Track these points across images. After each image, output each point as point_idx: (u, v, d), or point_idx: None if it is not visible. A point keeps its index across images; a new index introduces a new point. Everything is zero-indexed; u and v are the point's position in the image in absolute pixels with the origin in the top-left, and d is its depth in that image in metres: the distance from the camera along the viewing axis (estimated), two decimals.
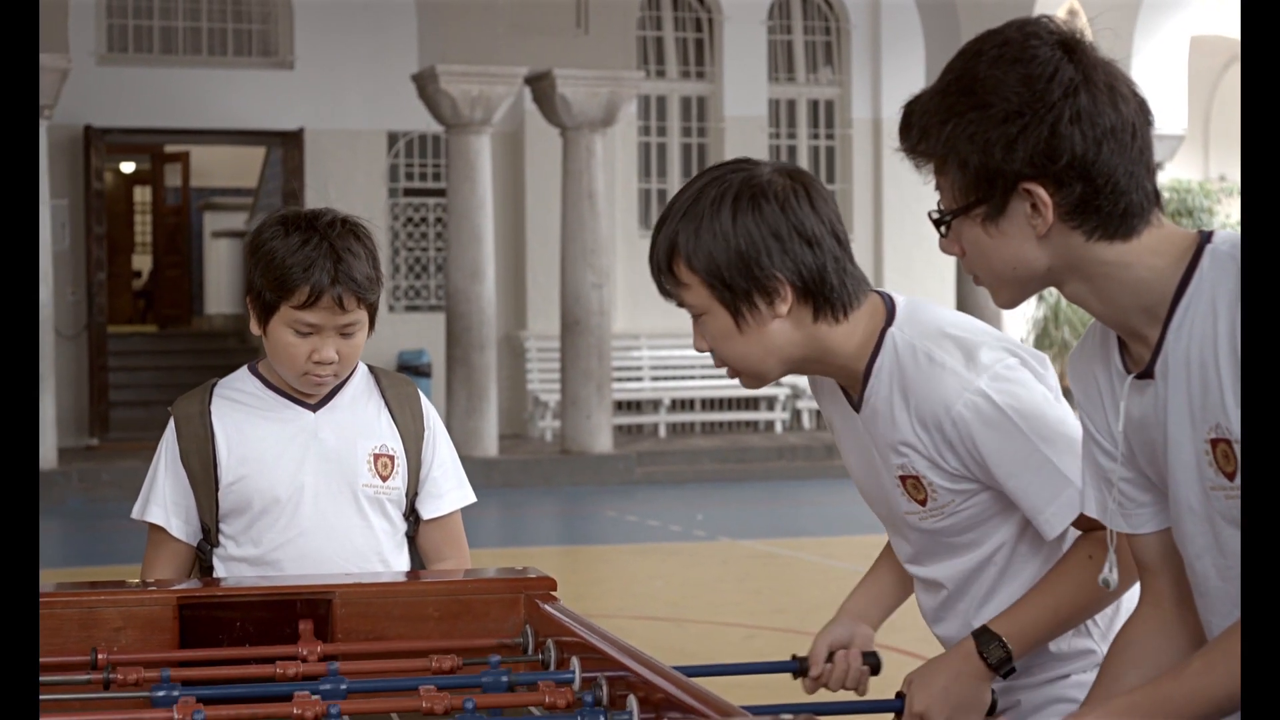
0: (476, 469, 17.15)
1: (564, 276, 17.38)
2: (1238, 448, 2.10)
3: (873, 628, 3.01)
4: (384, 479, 3.51)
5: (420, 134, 20.39)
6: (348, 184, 20.24)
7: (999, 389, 2.62)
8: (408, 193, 20.63)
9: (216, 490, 3.49)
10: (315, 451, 3.50)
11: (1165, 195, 23.01)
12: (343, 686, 2.54)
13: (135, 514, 3.56)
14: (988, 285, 2.27)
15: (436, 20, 16.82)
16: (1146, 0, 19.60)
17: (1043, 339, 21.33)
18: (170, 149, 25.76)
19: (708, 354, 2.73)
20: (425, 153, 20.71)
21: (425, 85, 16.90)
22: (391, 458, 3.52)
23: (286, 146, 20.15)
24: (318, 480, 3.49)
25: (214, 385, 3.59)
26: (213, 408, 3.53)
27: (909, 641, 8.79)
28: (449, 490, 3.60)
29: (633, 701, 2.29)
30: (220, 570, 3.51)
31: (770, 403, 20.43)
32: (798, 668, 2.97)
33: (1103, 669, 2.46)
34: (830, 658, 2.96)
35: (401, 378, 3.67)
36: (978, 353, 2.65)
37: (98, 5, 19.27)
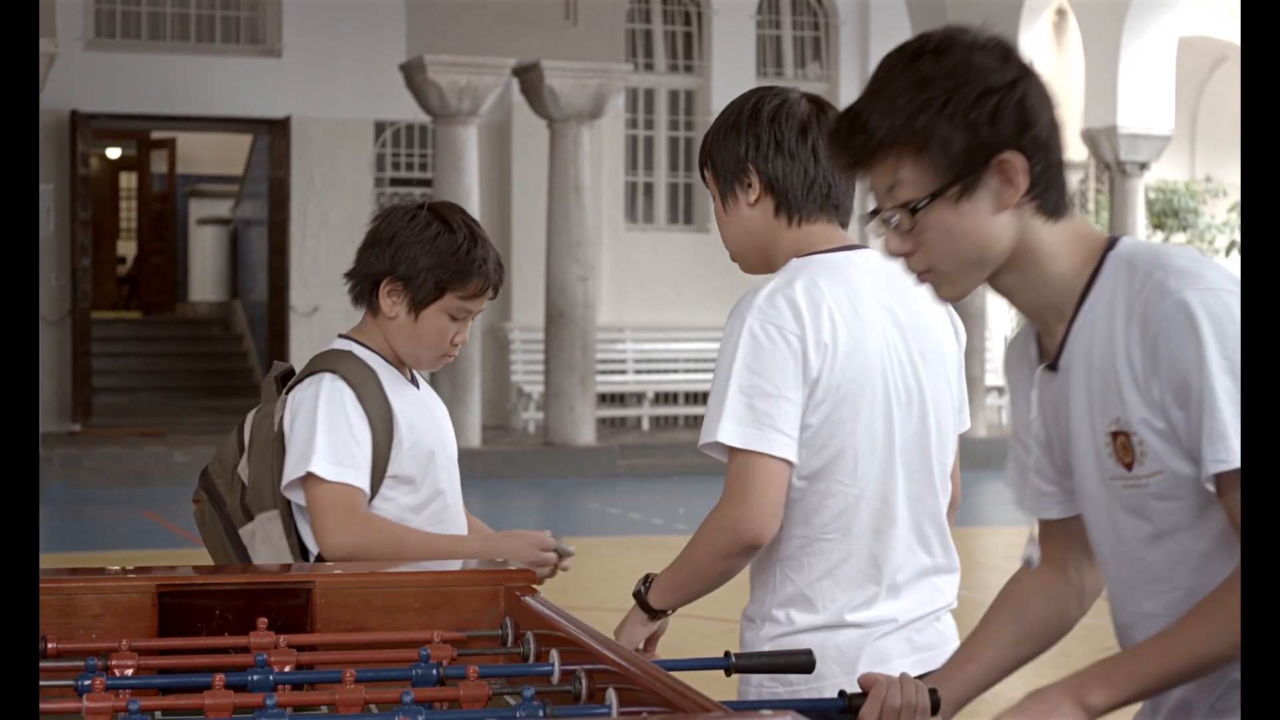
0: (459, 459, 17.11)
1: (549, 268, 17.37)
2: (1135, 439, 2.28)
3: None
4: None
5: (407, 124, 20.38)
6: (334, 173, 20.22)
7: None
8: (394, 182, 20.61)
9: (388, 452, 3.63)
10: (437, 420, 3.79)
11: (1152, 195, 22.81)
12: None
13: (330, 475, 3.55)
14: (943, 275, 2.36)
15: (425, 10, 16.80)
16: (1135, 0, 19.63)
17: None
18: (157, 135, 25.71)
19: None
20: (412, 142, 20.69)
21: (413, 75, 16.88)
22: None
23: (273, 134, 20.12)
24: (445, 447, 3.78)
25: (350, 352, 3.69)
26: (378, 374, 3.66)
27: None
28: None
29: (612, 695, 2.29)
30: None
31: None
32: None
33: (984, 617, 2.63)
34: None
35: None
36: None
37: None
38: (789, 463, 3.06)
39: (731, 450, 3.07)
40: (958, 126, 2.26)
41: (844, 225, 3.30)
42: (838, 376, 3.08)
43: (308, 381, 3.64)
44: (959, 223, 2.30)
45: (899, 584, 3.17)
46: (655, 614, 3.22)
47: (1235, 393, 2.16)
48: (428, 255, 3.63)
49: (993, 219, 2.30)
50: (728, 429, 3.05)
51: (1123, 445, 2.31)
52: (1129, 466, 2.31)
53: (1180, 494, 2.29)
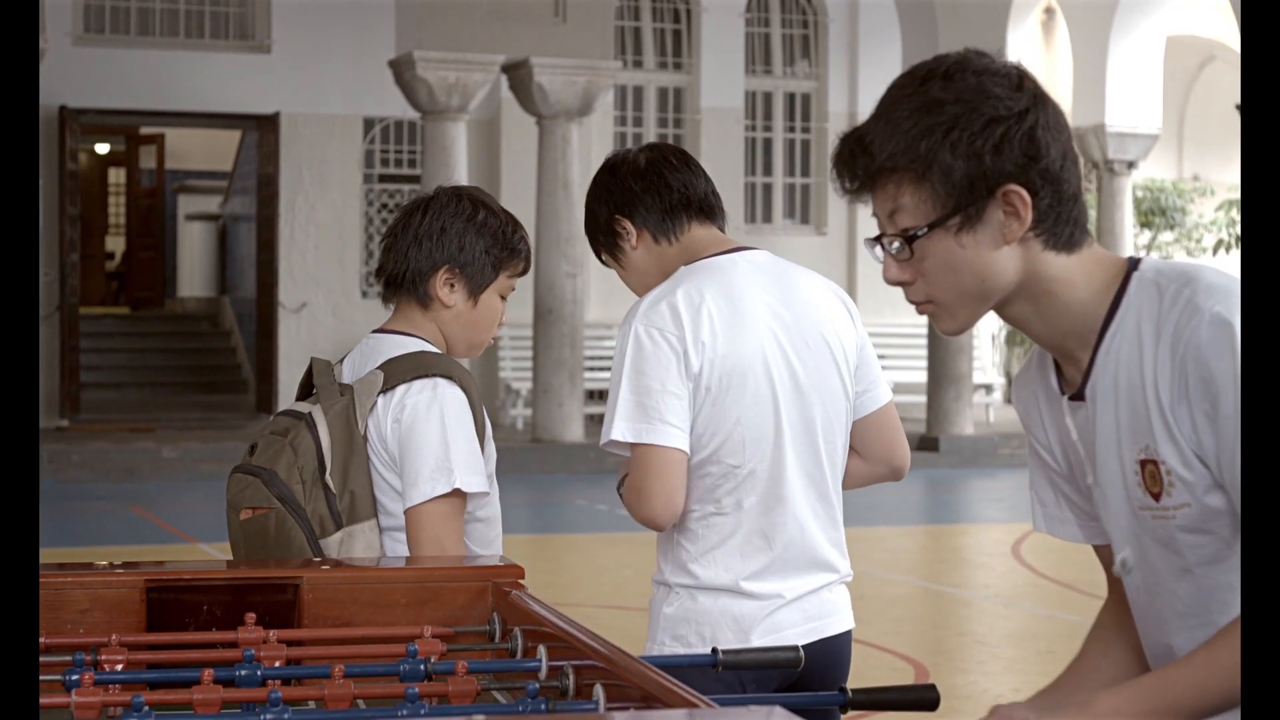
0: None
1: (538, 265, 17.35)
2: (1164, 468, 2.20)
3: None
4: None
5: (396, 120, 20.37)
6: (323, 169, 20.21)
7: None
8: (383, 179, 20.60)
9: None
10: None
11: (1139, 194, 22.69)
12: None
13: (471, 488, 3.45)
14: (942, 307, 2.27)
15: (414, 6, 16.79)
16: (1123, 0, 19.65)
17: (1014, 335, 21.39)
18: (145, 131, 25.68)
19: None
20: (401, 139, 20.68)
21: (402, 71, 16.87)
22: None
23: (262, 130, 20.11)
24: None
25: (442, 354, 3.59)
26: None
27: (879, 635, 8.81)
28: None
29: (599, 690, 2.29)
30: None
31: None
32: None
33: (1081, 652, 2.50)
34: None
35: None
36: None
37: None
38: (682, 450, 3.39)
39: (631, 445, 3.39)
40: (961, 154, 2.18)
41: (720, 226, 3.62)
42: (719, 369, 3.41)
43: (420, 386, 3.48)
44: (960, 254, 2.21)
45: (789, 560, 3.48)
46: None
47: None
48: (482, 239, 3.68)
49: (996, 253, 2.22)
50: (620, 426, 3.38)
51: (1151, 474, 2.23)
52: (1157, 497, 2.23)
53: (1210, 527, 2.21)
